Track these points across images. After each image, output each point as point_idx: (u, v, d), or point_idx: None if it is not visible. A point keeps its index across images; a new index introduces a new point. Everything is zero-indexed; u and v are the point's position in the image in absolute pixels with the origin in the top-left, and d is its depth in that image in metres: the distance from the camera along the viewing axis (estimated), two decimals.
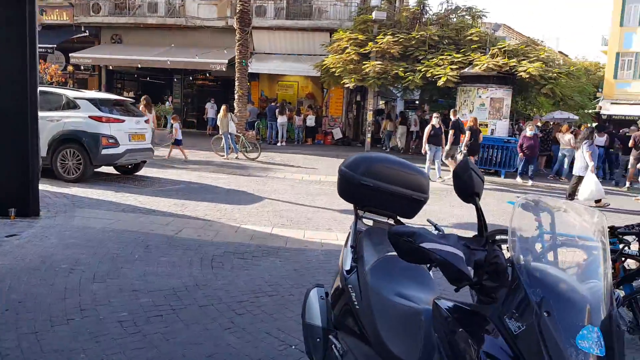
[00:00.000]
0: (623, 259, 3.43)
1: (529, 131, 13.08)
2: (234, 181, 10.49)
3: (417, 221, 2.81)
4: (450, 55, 15.82)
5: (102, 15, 23.14)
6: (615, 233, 3.41)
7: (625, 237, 3.52)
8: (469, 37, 16.62)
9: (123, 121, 9.42)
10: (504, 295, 1.60)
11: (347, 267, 2.71)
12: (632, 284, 3.35)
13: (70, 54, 21.87)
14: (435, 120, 12.37)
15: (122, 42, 23.48)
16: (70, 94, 9.52)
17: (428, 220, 3.46)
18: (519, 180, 13.45)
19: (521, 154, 13.39)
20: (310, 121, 20.62)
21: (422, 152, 12.41)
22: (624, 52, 30.45)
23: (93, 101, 9.30)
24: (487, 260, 1.66)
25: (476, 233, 1.91)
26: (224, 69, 19.84)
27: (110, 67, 23.52)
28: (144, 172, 10.66)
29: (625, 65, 30.55)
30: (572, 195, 10.08)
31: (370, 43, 16.83)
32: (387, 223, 3.21)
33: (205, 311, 4.03)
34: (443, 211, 8.82)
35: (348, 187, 2.98)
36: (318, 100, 22.97)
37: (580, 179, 9.94)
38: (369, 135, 17.98)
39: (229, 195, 8.94)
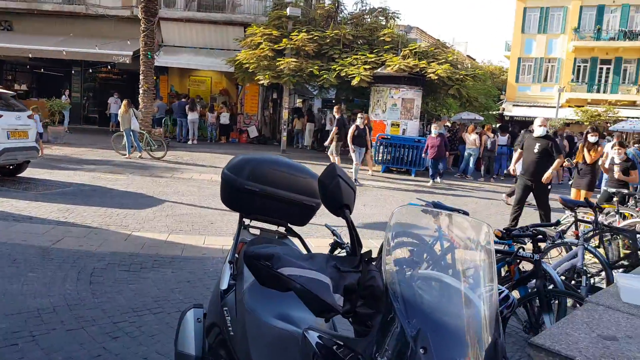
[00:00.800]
0: (518, 261, 3.35)
1: (433, 131, 12.88)
2: (133, 183, 9.69)
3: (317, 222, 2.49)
4: (363, 55, 15.89)
5: None
6: (510, 235, 3.33)
7: (521, 239, 3.47)
8: (382, 38, 16.82)
9: (0, 116, 8.33)
10: (378, 326, 1.35)
11: (224, 287, 2.35)
12: (527, 286, 3.28)
13: None
14: (359, 121, 12.09)
15: (12, 30, 21.28)
16: None
17: (326, 225, 3.16)
18: (430, 181, 13.50)
19: (424, 154, 13.20)
20: (225, 119, 19.92)
21: (351, 151, 12.19)
22: (524, 57, 32.61)
23: None
24: (362, 283, 1.40)
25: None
26: (127, 61, 18.61)
27: None
28: (28, 173, 9.53)
29: (526, 70, 32.75)
30: (510, 195, 10.48)
31: (284, 39, 16.50)
32: (276, 232, 2.90)
33: (74, 336, 3.47)
34: (354, 211, 8.68)
35: (231, 192, 2.65)
36: (233, 97, 22.29)
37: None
38: (284, 133, 17.65)
39: (125, 198, 8.19)
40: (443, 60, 15.51)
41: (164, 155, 13.42)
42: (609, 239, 4.78)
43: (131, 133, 13.17)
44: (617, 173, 7.07)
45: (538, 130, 7.16)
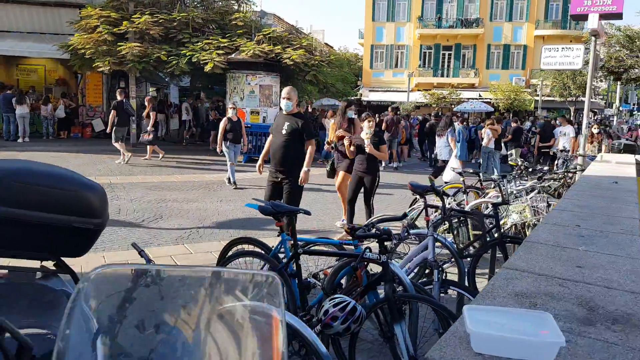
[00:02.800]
0: (366, 264, 3.02)
1: None
2: None
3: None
4: (216, 39, 15.01)
5: None
6: (355, 235, 2.96)
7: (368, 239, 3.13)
8: (234, 22, 16.06)
9: None
10: None
11: None
12: (377, 291, 2.94)
13: None
14: (231, 112, 10.17)
15: None
16: None
17: (133, 245, 2.50)
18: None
19: None
20: (60, 111, 17.64)
21: (218, 151, 10.43)
22: (377, 44, 34.15)
23: None
24: None
25: None
26: None
27: None
28: None
29: (379, 57, 34.37)
30: (436, 174, 10.44)
31: (125, 22, 14.93)
32: (41, 268, 2.14)
33: None
34: (209, 208, 8.01)
35: None
36: (72, 87, 19.87)
37: (445, 162, 10.71)
38: (134, 125, 16.07)
39: None
40: (298, 45, 15.28)
41: None
42: (458, 223, 4.74)
43: None
44: (367, 147, 6.07)
45: (283, 104, 5.40)
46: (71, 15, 17.55)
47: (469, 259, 4.50)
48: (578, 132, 14.40)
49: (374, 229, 2.89)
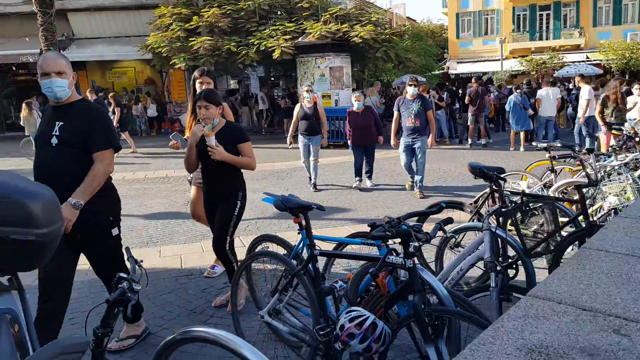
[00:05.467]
0: (391, 269, 2.47)
1: (355, 103, 8.26)
2: None
3: None
4: (282, 24, 14.81)
5: None
6: (373, 235, 2.40)
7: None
8: (300, 4, 15.73)
9: None
10: None
11: None
12: (410, 301, 2.30)
13: None
14: (307, 96, 7.98)
15: None
16: None
17: (125, 250, 2.30)
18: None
19: (349, 138, 8.46)
20: (152, 110, 18.69)
21: (288, 144, 8.64)
22: (462, 12, 31.94)
23: None
24: None
25: None
26: (31, 60, 17.06)
27: None
28: None
29: (466, 25, 32.12)
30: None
31: (195, 17, 15.26)
32: None
33: None
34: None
35: None
36: (159, 86, 20.95)
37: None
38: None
39: None
40: (366, 21, 14.57)
41: None
42: (525, 212, 3.69)
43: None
44: (212, 151, 3.42)
45: (55, 88, 2.86)
46: (150, 16, 18.37)
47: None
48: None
49: (398, 227, 2.30)
